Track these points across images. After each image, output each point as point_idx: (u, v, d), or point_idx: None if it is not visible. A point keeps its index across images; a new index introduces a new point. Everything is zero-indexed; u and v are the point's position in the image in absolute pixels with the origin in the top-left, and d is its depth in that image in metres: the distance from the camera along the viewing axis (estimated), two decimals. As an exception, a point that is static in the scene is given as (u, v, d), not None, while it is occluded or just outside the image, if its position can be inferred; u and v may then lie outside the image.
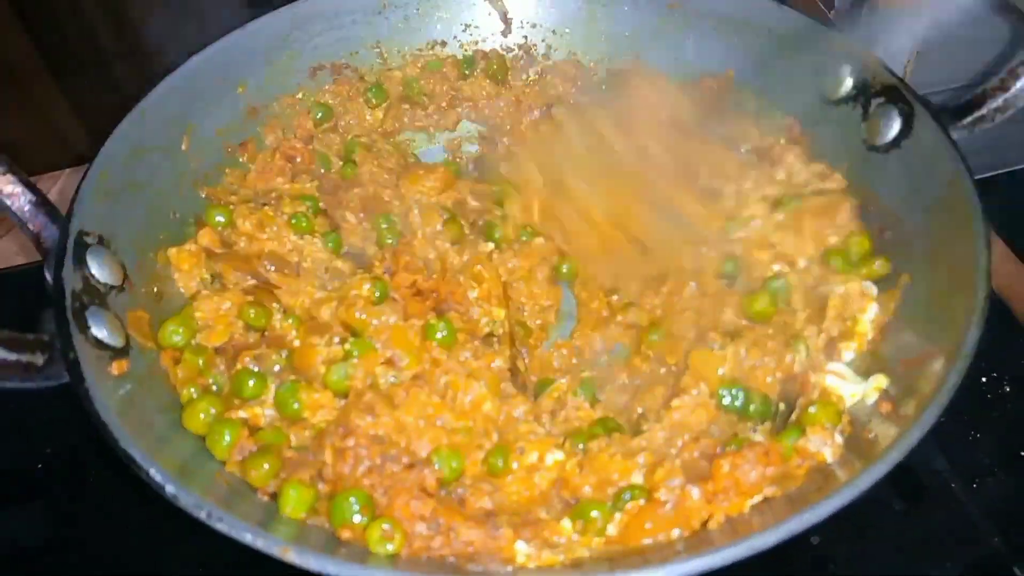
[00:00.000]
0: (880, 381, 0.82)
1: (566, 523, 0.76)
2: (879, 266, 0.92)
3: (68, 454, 1.07)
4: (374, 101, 1.18)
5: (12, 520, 1.05)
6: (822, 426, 0.78)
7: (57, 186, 1.38)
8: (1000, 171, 1.26)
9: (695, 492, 0.74)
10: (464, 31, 1.21)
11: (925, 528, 0.95)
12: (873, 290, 0.91)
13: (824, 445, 0.77)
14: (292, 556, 0.67)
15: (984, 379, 1.05)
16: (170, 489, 0.70)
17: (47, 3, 1.37)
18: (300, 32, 1.13)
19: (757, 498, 0.75)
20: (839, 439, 0.78)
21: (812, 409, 0.80)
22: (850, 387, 0.83)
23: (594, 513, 0.75)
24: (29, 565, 1.01)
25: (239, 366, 0.88)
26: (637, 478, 0.78)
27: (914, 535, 0.94)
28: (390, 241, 1.03)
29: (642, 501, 0.75)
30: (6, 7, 1.34)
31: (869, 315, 0.89)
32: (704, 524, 0.74)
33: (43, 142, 1.51)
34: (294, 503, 0.76)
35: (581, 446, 0.82)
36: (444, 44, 1.21)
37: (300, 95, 1.16)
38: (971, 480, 0.97)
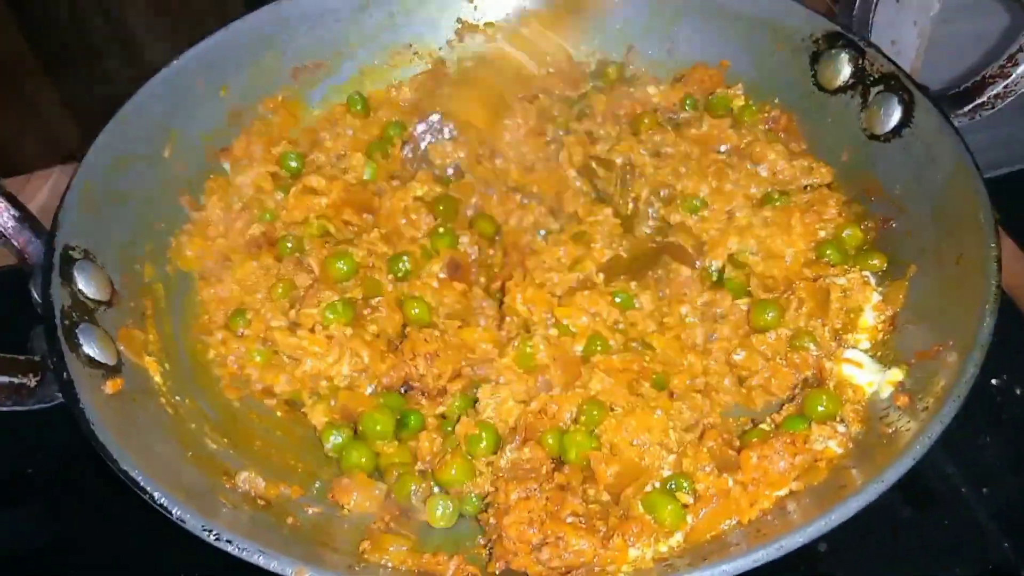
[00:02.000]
0: (895, 374, 0.81)
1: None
2: (876, 262, 0.91)
3: (61, 457, 1.05)
4: (359, 109, 1.15)
5: (7, 522, 1.04)
6: (821, 421, 0.78)
7: (48, 184, 1.34)
8: (1008, 169, 1.25)
9: (729, 480, 0.74)
10: (450, 26, 1.18)
11: (934, 533, 0.94)
12: (872, 280, 0.90)
13: (828, 440, 0.77)
14: (308, 576, 0.65)
15: (994, 381, 1.04)
16: (177, 512, 0.69)
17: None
18: (282, 32, 1.10)
19: (784, 490, 0.75)
20: (841, 428, 0.78)
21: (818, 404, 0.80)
22: (867, 375, 0.82)
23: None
24: (24, 567, 0.99)
25: None
26: (666, 471, 0.78)
27: (923, 540, 0.94)
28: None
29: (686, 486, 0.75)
30: (1, 3, 1.30)
31: (871, 305, 0.88)
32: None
33: (35, 139, 1.48)
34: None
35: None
36: (430, 41, 1.18)
37: (281, 97, 1.13)
38: (981, 485, 0.97)
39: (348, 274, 0.97)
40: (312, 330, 0.92)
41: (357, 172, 1.08)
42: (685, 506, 0.74)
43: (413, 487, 0.82)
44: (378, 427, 0.87)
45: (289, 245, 1.00)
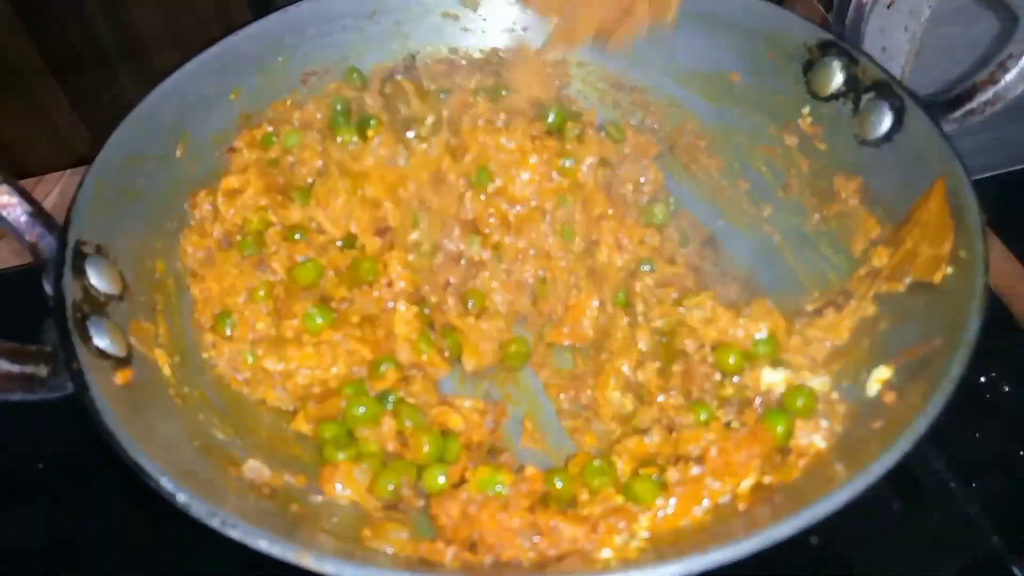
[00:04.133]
0: (883, 372, 0.82)
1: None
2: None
3: (69, 454, 1.07)
4: (358, 83, 1.17)
5: (13, 520, 1.05)
6: (803, 416, 0.80)
7: (58, 187, 1.37)
8: (998, 172, 1.27)
9: (696, 470, 0.77)
10: (457, 35, 1.21)
11: (924, 528, 0.96)
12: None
13: (812, 435, 0.78)
14: (309, 561, 0.66)
15: (983, 379, 1.05)
16: (182, 498, 0.70)
17: (48, 2, 1.35)
18: (292, 38, 1.12)
19: (751, 480, 0.77)
20: (824, 423, 0.79)
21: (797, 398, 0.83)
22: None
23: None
24: (29, 565, 1.00)
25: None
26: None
27: (913, 535, 0.95)
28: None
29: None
30: (7, 7, 1.32)
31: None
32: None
33: (45, 143, 1.50)
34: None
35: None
36: (435, 49, 1.20)
37: (290, 101, 1.15)
38: (970, 480, 0.98)
39: (317, 278, 0.99)
40: (299, 341, 0.94)
41: (283, 144, 1.09)
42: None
43: (390, 486, 0.84)
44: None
45: (247, 253, 1.01)
